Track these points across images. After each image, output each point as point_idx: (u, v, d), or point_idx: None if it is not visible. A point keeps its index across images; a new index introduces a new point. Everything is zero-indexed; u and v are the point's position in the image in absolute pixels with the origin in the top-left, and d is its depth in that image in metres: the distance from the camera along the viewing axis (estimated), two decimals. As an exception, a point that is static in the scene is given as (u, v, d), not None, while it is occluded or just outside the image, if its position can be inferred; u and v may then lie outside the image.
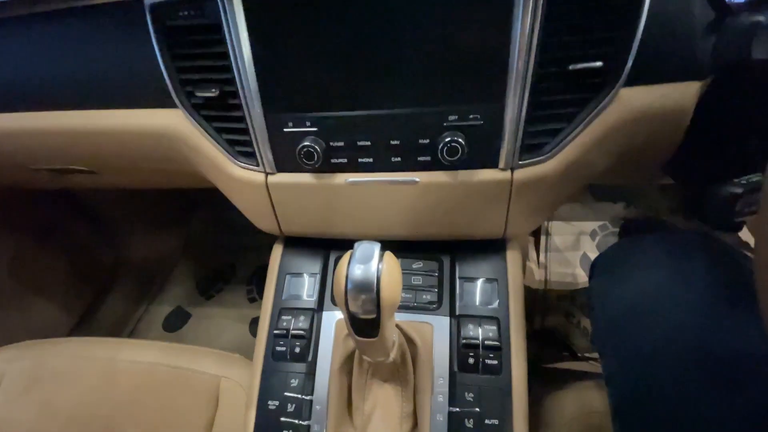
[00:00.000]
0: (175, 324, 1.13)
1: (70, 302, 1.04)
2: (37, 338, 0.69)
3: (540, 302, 0.99)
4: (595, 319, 0.45)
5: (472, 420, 0.38)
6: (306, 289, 0.48)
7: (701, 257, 0.40)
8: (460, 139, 0.37)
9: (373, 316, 0.30)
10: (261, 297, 1.13)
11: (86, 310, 1.08)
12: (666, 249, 0.43)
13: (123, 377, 0.61)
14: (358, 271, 0.29)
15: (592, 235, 1.10)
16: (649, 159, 0.44)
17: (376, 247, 0.31)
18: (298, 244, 0.52)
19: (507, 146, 0.39)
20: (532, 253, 1.07)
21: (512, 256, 0.46)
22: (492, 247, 0.47)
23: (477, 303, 0.44)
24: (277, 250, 0.52)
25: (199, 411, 0.57)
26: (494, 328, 0.42)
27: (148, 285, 1.20)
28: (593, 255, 1.07)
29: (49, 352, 0.66)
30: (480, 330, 0.42)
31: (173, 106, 0.44)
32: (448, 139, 0.38)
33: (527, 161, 0.40)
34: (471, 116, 0.38)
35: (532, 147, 0.40)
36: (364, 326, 0.31)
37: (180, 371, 0.60)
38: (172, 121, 0.45)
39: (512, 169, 0.40)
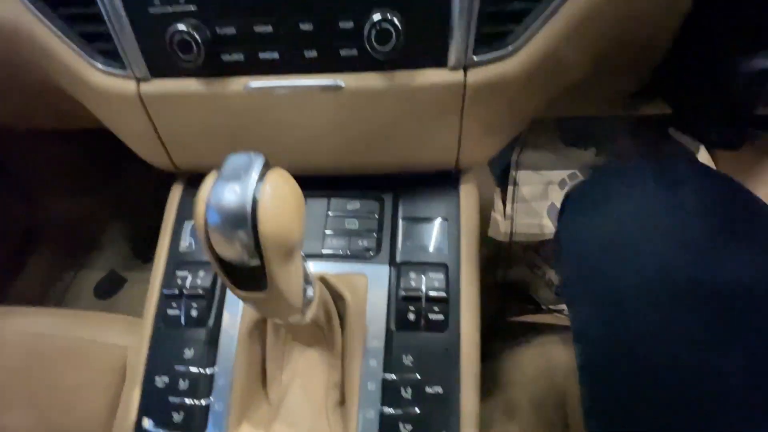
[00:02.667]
0: (108, 290, 1.01)
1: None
2: None
3: (504, 254, 0.94)
4: (563, 262, 0.38)
5: (410, 389, 0.31)
6: None
7: (691, 182, 0.33)
8: (394, 19, 0.27)
9: (255, 261, 0.20)
10: (204, 258, 1.02)
11: (1, 279, 0.94)
12: (649, 174, 0.35)
13: (7, 350, 0.50)
14: (226, 195, 0.19)
15: (561, 184, 1.04)
16: (633, 63, 0.35)
17: (257, 159, 0.20)
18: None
19: (458, 34, 0.28)
20: (499, 204, 1.00)
21: (466, 192, 0.37)
22: (442, 183, 0.38)
23: (422, 248, 0.35)
24: (176, 191, 0.41)
25: (101, 387, 0.47)
26: (441, 276, 0.33)
27: (74, 248, 1.06)
28: (561, 204, 1.02)
29: None
30: (423, 279, 0.33)
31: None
32: (378, 18, 0.27)
33: (484, 57, 0.30)
34: (408, -16, 0.27)
35: (490, 37, 0.29)
36: (246, 276, 0.21)
37: (78, 341, 0.50)
38: (5, 9, 0.32)
39: (465, 68, 0.30)
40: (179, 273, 0.36)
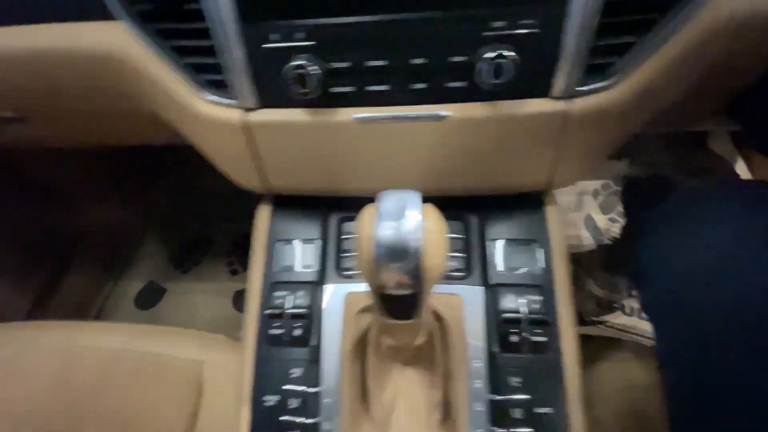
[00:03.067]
0: (149, 300, 1.03)
1: (23, 283, 0.91)
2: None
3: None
4: (649, 284, 0.38)
5: (519, 410, 0.31)
6: (303, 258, 0.39)
7: None
8: (511, 54, 0.28)
9: (411, 291, 0.21)
10: (244, 269, 1.03)
11: (43, 291, 0.96)
12: (736, 202, 0.36)
13: (83, 367, 0.51)
14: (390, 231, 0.20)
15: (595, 194, 1.05)
16: (725, 86, 0.36)
17: (414, 196, 0.22)
18: (289, 204, 0.42)
19: (566, 66, 0.30)
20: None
21: (552, 213, 0.38)
22: (526, 204, 0.39)
23: (514, 269, 0.36)
24: (264, 213, 0.42)
25: (178, 402, 0.48)
26: (539, 298, 0.34)
27: (112, 259, 1.08)
28: (597, 216, 1.02)
29: (-10, 341, 0.55)
30: (522, 301, 0.34)
31: (112, 16, 0.32)
32: (492, 55, 0.28)
33: (588, 87, 0.31)
34: (524, 21, 0.28)
35: (594, 69, 0.31)
36: (399, 305, 0.23)
37: (152, 357, 0.51)
38: (113, 39, 0.33)
39: (569, 98, 0.31)
40: (277, 293, 0.37)
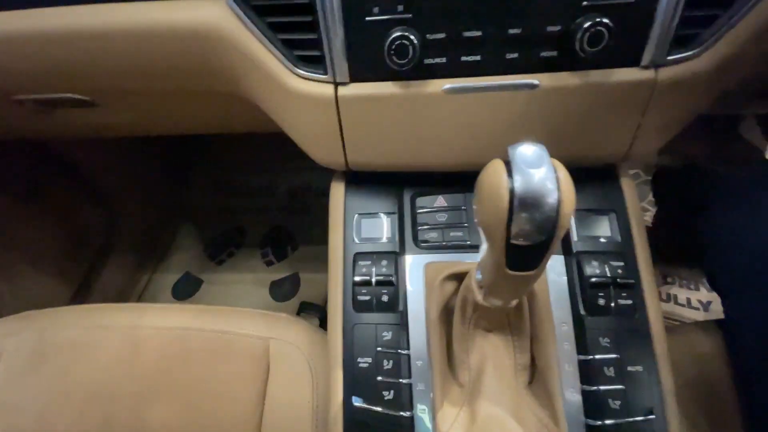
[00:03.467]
0: (186, 291, 1.05)
1: (66, 273, 0.93)
2: (50, 308, 0.59)
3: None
4: (718, 259, 0.39)
5: (612, 368, 0.32)
6: (382, 231, 0.40)
7: None
8: (606, 21, 0.29)
9: (544, 238, 0.22)
10: (278, 260, 1.05)
11: (84, 280, 0.98)
12: None
13: (149, 346, 0.53)
14: (533, 178, 0.21)
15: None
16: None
17: (543, 150, 0.23)
18: (361, 181, 0.43)
19: (657, 36, 0.31)
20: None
21: (627, 184, 0.39)
22: (602, 176, 0.40)
23: (595, 239, 0.37)
24: (338, 188, 0.43)
25: (246, 379, 0.49)
26: (622, 263, 0.35)
27: (148, 251, 1.10)
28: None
29: (55, 323, 0.56)
30: (607, 267, 0.35)
31: (212, -6, 0.34)
32: (588, 24, 0.29)
33: (676, 57, 0.32)
34: (621, -8, 0.29)
35: (682, 39, 0.32)
36: (527, 255, 0.24)
37: (218, 335, 0.52)
38: (212, 16, 0.35)
39: (657, 67, 0.32)
40: (362, 263, 0.38)
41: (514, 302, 0.31)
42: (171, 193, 1.16)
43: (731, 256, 0.38)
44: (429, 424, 0.33)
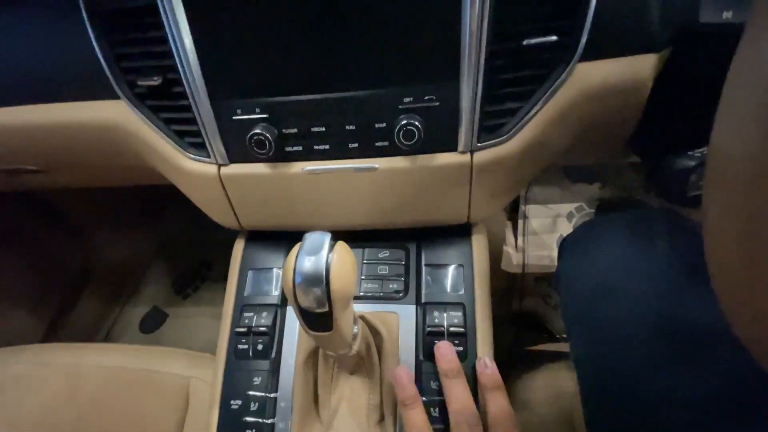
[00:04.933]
0: (151, 325, 1.10)
1: (39, 309, 1.00)
2: (6, 347, 0.66)
3: (518, 285, 1.00)
4: (562, 300, 0.45)
5: (437, 408, 0.38)
6: (269, 284, 0.46)
7: (663, 233, 0.40)
8: (416, 122, 0.36)
9: (325, 309, 0.29)
10: (239, 293, 1.11)
11: (57, 316, 1.05)
12: (629, 226, 0.42)
13: (88, 381, 0.59)
14: (306, 263, 0.28)
15: (569, 216, 1.11)
16: (610, 135, 0.43)
17: (326, 237, 0.29)
18: (260, 238, 0.50)
19: (465, 128, 0.38)
20: (510, 238, 1.07)
21: (477, 242, 0.45)
22: (457, 233, 0.46)
23: (443, 290, 0.43)
24: (239, 245, 0.50)
25: (167, 412, 0.55)
26: (459, 314, 0.41)
27: (121, 286, 1.17)
28: (570, 237, 1.08)
29: (10, 359, 0.63)
30: (445, 316, 0.41)
31: (116, 96, 0.41)
32: (404, 122, 0.36)
33: (486, 143, 0.38)
34: (426, 97, 0.36)
35: (490, 128, 0.38)
36: (317, 320, 0.30)
37: (147, 373, 0.58)
38: (116, 113, 0.42)
39: (471, 152, 0.39)
40: (246, 314, 0.44)
41: (353, 349, 0.37)
42: (145, 228, 1.24)
43: (568, 302, 0.44)
44: (285, 457, 0.38)
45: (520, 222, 1.09)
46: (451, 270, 0.44)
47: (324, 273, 0.27)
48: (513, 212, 1.11)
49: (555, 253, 1.06)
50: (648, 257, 0.39)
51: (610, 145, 0.48)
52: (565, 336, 0.92)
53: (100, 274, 1.13)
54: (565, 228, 1.09)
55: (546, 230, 1.09)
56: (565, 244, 0.48)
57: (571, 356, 0.43)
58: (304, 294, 0.28)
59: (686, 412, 0.32)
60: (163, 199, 1.28)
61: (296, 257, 0.28)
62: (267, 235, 0.50)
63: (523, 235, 1.08)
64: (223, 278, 1.16)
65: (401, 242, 0.47)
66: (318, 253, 0.28)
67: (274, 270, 0.47)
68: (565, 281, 0.45)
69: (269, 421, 0.39)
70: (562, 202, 1.12)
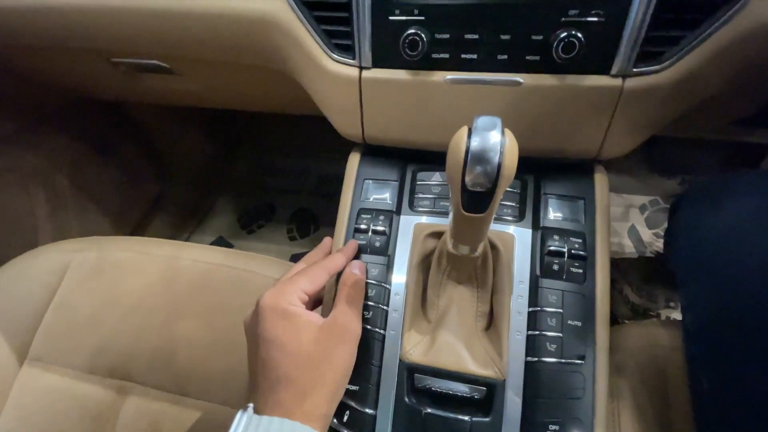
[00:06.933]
0: (215, 253, 1.17)
1: (120, 223, 1.08)
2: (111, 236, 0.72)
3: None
4: (679, 248, 0.44)
5: (554, 319, 0.38)
6: (386, 194, 0.48)
7: None
8: (579, 35, 0.36)
9: (491, 186, 0.30)
10: (301, 237, 1.15)
11: (132, 233, 1.13)
12: (760, 180, 0.41)
13: (184, 273, 0.63)
14: (482, 140, 0.29)
15: (642, 209, 1.07)
16: (755, 87, 0.42)
17: (498, 120, 0.30)
18: (375, 154, 0.52)
19: (624, 50, 0.37)
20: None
21: (600, 179, 0.45)
22: (579, 170, 0.46)
23: (562, 219, 0.43)
24: (354, 157, 0.52)
25: (258, 310, 0.58)
26: (580, 240, 0.41)
27: (190, 213, 1.24)
28: (641, 228, 1.05)
29: (114, 246, 0.68)
30: (566, 241, 0.41)
31: (276, -9, 0.44)
32: (564, 35, 0.36)
33: (641, 69, 0.38)
34: (593, 11, 0.36)
35: (649, 54, 0.38)
36: (477, 200, 0.31)
37: (241, 272, 0.62)
38: (272, 7, 0.44)
39: (624, 77, 0.38)
40: (364, 216, 0.46)
41: (478, 251, 0.38)
42: (216, 165, 1.30)
43: (690, 249, 0.43)
44: (397, 342, 0.40)
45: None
46: (572, 201, 0.44)
47: (499, 149, 0.28)
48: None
49: (625, 241, 1.04)
50: None
51: (745, 103, 0.46)
52: (626, 322, 0.90)
53: (174, 199, 1.20)
54: (637, 219, 1.06)
55: (617, 218, 1.06)
56: (685, 197, 0.47)
57: (682, 303, 0.43)
58: (476, 170, 0.29)
59: None
60: (236, 140, 1.34)
61: (469, 134, 0.29)
62: (380, 153, 0.51)
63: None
64: (286, 221, 1.21)
65: (519, 173, 0.47)
66: (492, 131, 0.29)
67: (390, 182, 0.49)
68: (683, 230, 0.44)
69: (384, 307, 0.41)
70: (636, 193, 1.09)
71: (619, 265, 0.96)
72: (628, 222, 1.05)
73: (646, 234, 1.03)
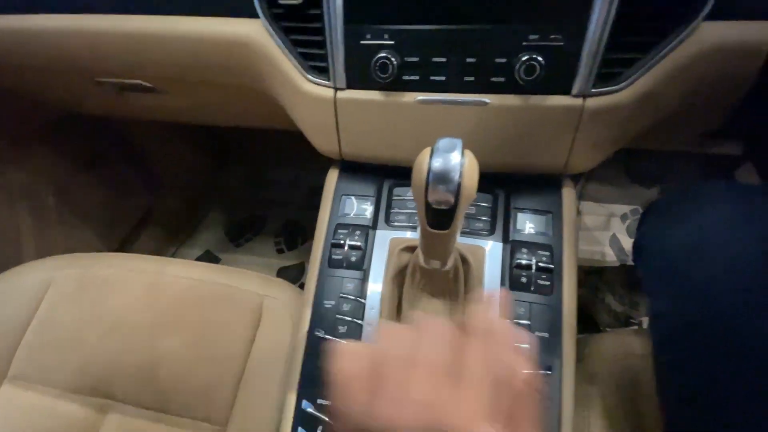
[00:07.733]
0: (203, 267, 1.17)
1: (107, 236, 1.08)
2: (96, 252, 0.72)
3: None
4: (645, 260, 0.45)
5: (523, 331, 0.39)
6: (363, 209, 0.50)
7: (765, 194, 0.40)
8: (540, 57, 0.38)
9: (451, 205, 0.31)
10: (289, 249, 1.16)
11: (120, 247, 1.12)
12: (727, 190, 0.42)
13: (168, 289, 0.64)
14: (442, 161, 0.30)
15: (623, 218, 1.10)
16: (715, 102, 0.44)
17: (458, 141, 0.32)
18: (353, 170, 0.53)
19: (583, 72, 0.39)
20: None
21: (567, 193, 0.47)
22: (547, 184, 0.48)
23: (531, 232, 0.45)
24: (333, 174, 0.53)
25: (241, 326, 0.59)
26: (547, 253, 0.43)
27: (179, 227, 1.24)
28: (623, 237, 1.07)
29: (97, 263, 0.69)
30: (534, 255, 0.43)
31: (253, 15, 0.45)
32: (525, 58, 0.38)
33: (600, 89, 0.40)
34: (552, 36, 0.38)
35: (606, 76, 0.40)
36: (440, 217, 0.32)
37: (224, 287, 0.62)
38: (250, 31, 0.46)
39: (584, 97, 0.40)
40: (341, 231, 0.48)
41: (448, 264, 0.39)
42: (206, 178, 1.31)
43: (656, 260, 0.44)
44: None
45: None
46: (539, 215, 0.46)
47: (459, 169, 0.30)
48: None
49: (606, 249, 1.05)
50: (749, 216, 0.39)
51: (711, 118, 0.48)
52: (608, 330, 0.92)
53: (163, 213, 1.20)
54: (618, 228, 1.08)
55: (599, 227, 1.08)
56: (652, 209, 0.49)
57: (649, 314, 0.44)
58: (437, 189, 0.30)
59: None
60: (226, 154, 1.35)
61: (431, 156, 0.31)
62: (358, 169, 0.53)
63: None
64: (274, 233, 1.21)
65: (490, 186, 0.49)
66: (455, 153, 0.30)
67: (365, 198, 0.50)
68: (650, 241, 0.46)
69: (359, 321, 0.42)
70: (617, 202, 1.11)
71: (601, 274, 0.98)
72: (610, 231, 1.07)
73: (627, 243, 1.05)
